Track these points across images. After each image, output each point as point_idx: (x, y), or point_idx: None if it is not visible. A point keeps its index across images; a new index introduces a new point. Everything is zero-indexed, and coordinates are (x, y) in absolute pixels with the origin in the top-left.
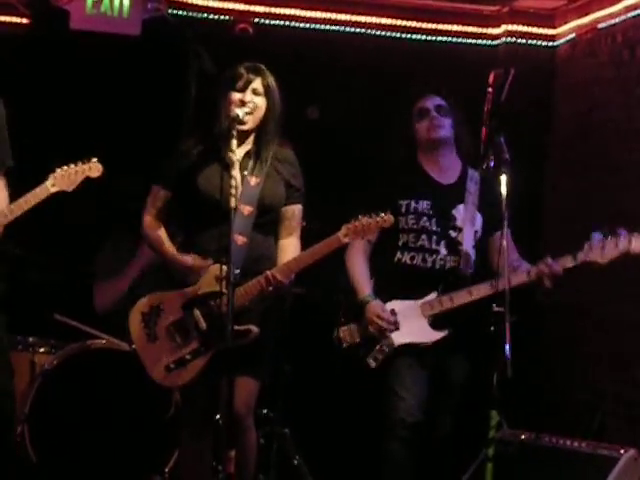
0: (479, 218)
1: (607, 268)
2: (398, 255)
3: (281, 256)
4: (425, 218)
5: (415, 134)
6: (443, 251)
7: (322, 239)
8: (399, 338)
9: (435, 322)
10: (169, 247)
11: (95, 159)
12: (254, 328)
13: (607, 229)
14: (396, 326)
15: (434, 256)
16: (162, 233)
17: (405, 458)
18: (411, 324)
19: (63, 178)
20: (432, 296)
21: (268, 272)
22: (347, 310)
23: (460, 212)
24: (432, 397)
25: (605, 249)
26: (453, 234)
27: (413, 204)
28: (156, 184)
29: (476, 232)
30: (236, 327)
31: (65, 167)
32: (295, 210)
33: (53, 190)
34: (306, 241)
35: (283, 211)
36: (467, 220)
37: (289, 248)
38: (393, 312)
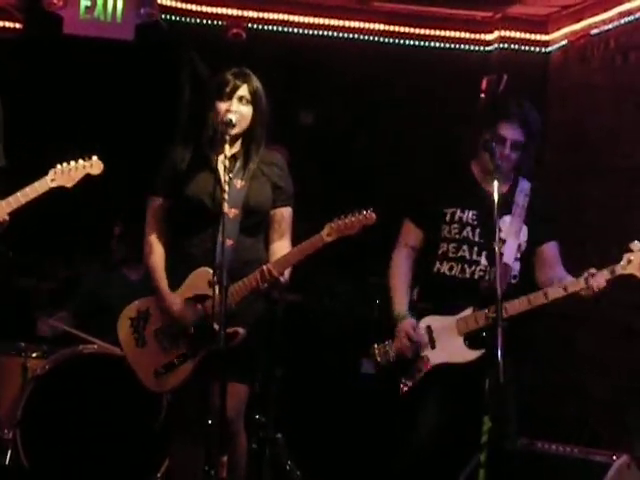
0: (524, 231)
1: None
2: (437, 265)
3: (272, 259)
4: (469, 228)
5: (480, 152)
6: (484, 262)
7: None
8: (435, 358)
9: (471, 339)
10: (162, 279)
11: (96, 157)
12: (241, 330)
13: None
14: (432, 344)
15: (474, 267)
16: (159, 259)
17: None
18: (447, 343)
19: (63, 173)
20: (468, 312)
21: (264, 266)
22: (384, 326)
23: (506, 224)
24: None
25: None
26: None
27: (459, 213)
28: (153, 194)
29: (520, 245)
30: (217, 327)
31: (65, 163)
32: (284, 213)
33: (52, 185)
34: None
35: (272, 214)
36: (512, 232)
37: (281, 251)
38: (429, 329)
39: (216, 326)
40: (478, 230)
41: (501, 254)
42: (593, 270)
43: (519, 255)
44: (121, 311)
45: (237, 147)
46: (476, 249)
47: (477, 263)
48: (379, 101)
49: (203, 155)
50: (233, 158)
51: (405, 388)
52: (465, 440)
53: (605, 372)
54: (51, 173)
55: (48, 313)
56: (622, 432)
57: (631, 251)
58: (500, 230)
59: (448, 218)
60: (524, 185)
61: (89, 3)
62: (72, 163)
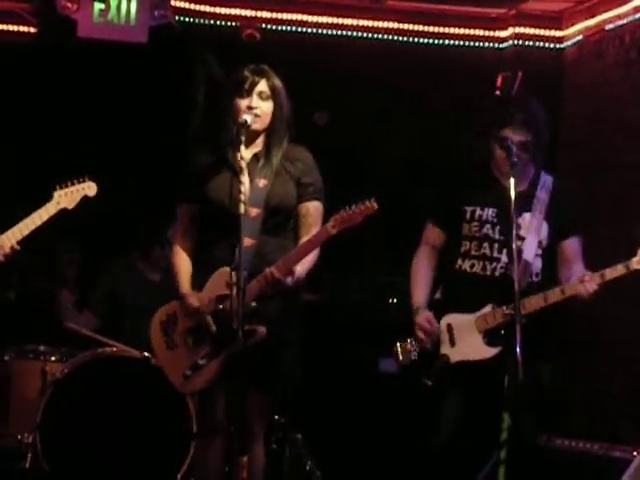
0: (545, 227)
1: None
2: (459, 262)
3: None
4: (489, 226)
5: (491, 154)
6: (504, 259)
7: None
8: (455, 356)
9: (490, 336)
10: (183, 281)
11: (89, 181)
12: (261, 328)
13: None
14: (452, 342)
15: (494, 264)
16: (182, 262)
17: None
18: (466, 340)
19: (66, 196)
20: (487, 309)
21: (267, 269)
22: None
23: (526, 221)
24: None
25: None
26: (517, 243)
27: (478, 211)
28: (179, 203)
29: (540, 242)
30: (236, 326)
31: (64, 186)
32: (309, 207)
33: (58, 208)
34: None
35: (298, 209)
36: (532, 229)
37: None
38: (449, 327)
39: (235, 325)
40: (498, 227)
41: (521, 251)
42: (587, 273)
43: (540, 252)
44: (139, 311)
45: (259, 146)
46: (497, 246)
47: (498, 260)
48: (393, 100)
49: (223, 156)
50: (255, 157)
51: (425, 387)
52: (486, 438)
53: (625, 367)
54: (56, 196)
55: (74, 314)
56: None
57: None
58: (519, 227)
59: (468, 216)
60: (546, 180)
61: (103, 6)
62: (71, 186)
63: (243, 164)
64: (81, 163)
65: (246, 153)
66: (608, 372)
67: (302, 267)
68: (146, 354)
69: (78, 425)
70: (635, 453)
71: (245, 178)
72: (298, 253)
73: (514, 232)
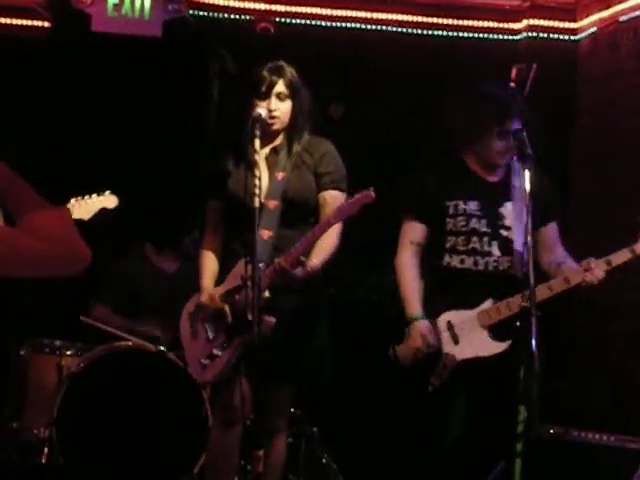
0: (526, 213)
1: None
2: (446, 259)
3: (317, 244)
4: (475, 219)
5: (482, 145)
6: (496, 252)
7: None
8: (461, 353)
9: (496, 330)
10: (205, 279)
11: (109, 192)
12: (269, 318)
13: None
14: (455, 340)
15: (486, 258)
16: (206, 258)
17: (442, 468)
18: (471, 337)
19: (80, 207)
20: (488, 304)
21: (276, 260)
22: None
23: (508, 210)
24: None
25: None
26: (504, 233)
27: (461, 205)
28: (207, 199)
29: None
30: (250, 317)
31: (80, 198)
32: (326, 197)
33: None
34: None
35: (318, 199)
36: (516, 217)
37: (324, 237)
38: (450, 325)
39: (249, 316)
40: (484, 220)
41: (511, 241)
42: (592, 260)
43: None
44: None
45: (279, 140)
46: (486, 240)
47: (489, 254)
48: (409, 92)
49: (242, 152)
50: (274, 151)
51: (431, 387)
52: (497, 435)
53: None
54: (69, 207)
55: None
56: None
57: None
58: (504, 217)
59: (451, 211)
60: (518, 167)
61: (117, 1)
62: (88, 197)
63: (259, 158)
64: (97, 158)
65: (265, 147)
66: (622, 361)
67: (317, 258)
68: (162, 348)
69: (94, 419)
70: None
71: (264, 172)
72: (303, 243)
73: (528, 225)
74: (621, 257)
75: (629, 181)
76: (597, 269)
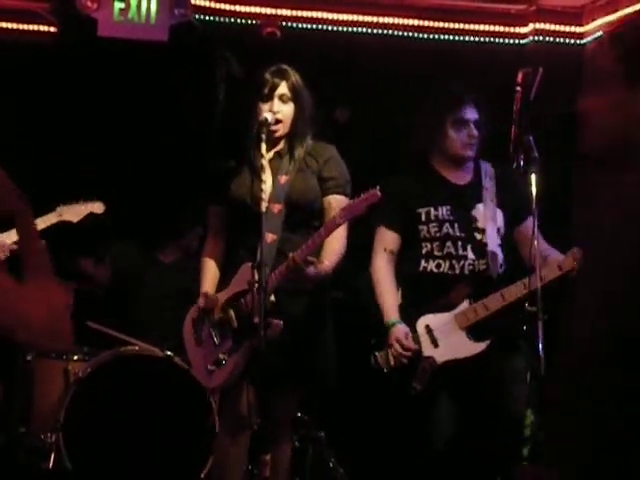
0: (500, 215)
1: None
2: (423, 264)
3: (324, 248)
4: (447, 224)
5: (441, 139)
6: (471, 255)
7: None
8: (441, 356)
9: (474, 331)
10: (204, 281)
11: (99, 202)
12: (276, 321)
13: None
14: (435, 344)
15: (462, 262)
16: (207, 263)
17: (441, 472)
18: (450, 340)
19: (69, 210)
20: (465, 305)
21: (290, 254)
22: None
23: (480, 212)
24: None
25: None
26: (478, 236)
27: (433, 211)
28: (208, 205)
29: (499, 229)
30: (257, 320)
31: (70, 203)
32: (331, 201)
33: (59, 219)
34: None
35: (322, 203)
36: (489, 219)
37: (331, 241)
38: (428, 328)
39: (256, 319)
40: (457, 225)
41: (485, 244)
42: (577, 249)
43: (500, 241)
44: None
45: (282, 144)
46: (460, 244)
47: (465, 258)
48: (414, 97)
49: (246, 156)
50: (278, 155)
51: (414, 391)
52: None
53: None
54: (58, 210)
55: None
56: None
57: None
58: (476, 219)
59: (424, 218)
60: (486, 168)
61: (123, 5)
62: (77, 203)
63: (264, 162)
64: (103, 162)
65: (269, 151)
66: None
67: (329, 260)
68: (168, 353)
69: (101, 424)
70: None
71: (267, 176)
72: (311, 244)
73: (535, 229)
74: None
75: (635, 185)
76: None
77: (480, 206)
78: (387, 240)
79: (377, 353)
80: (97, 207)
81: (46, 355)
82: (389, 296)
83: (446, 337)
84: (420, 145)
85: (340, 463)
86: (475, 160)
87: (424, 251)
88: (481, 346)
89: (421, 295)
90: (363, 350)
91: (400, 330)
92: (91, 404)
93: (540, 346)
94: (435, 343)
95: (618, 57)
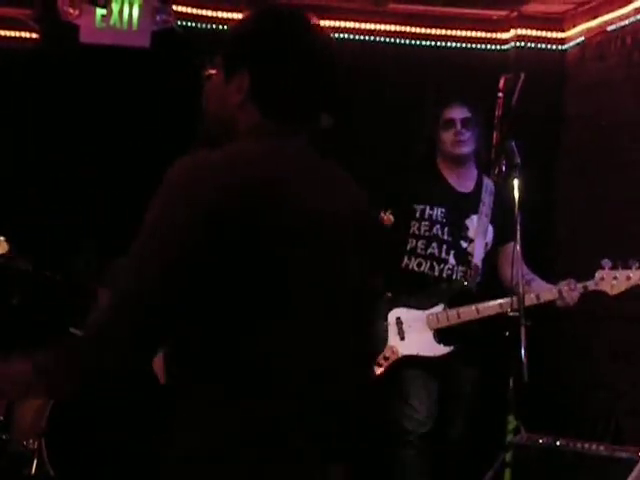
0: (491, 230)
1: None
2: (405, 260)
3: None
4: (438, 226)
5: (438, 141)
6: (452, 261)
7: None
8: (404, 349)
9: (441, 334)
10: None
11: (2, 238)
12: None
13: (617, 259)
14: (401, 336)
15: (442, 265)
16: None
17: (418, 465)
18: (416, 336)
19: None
20: (438, 308)
21: None
22: None
23: (473, 223)
24: (442, 404)
25: (616, 281)
26: (464, 244)
27: (428, 210)
28: None
29: (486, 244)
30: None
31: None
32: None
33: None
34: None
35: None
36: (479, 232)
37: None
38: (399, 320)
39: None
40: (447, 228)
41: (469, 254)
42: (572, 282)
43: (484, 255)
44: None
45: None
46: (445, 247)
47: (446, 262)
48: (396, 103)
49: None
50: None
51: (378, 370)
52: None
53: (630, 366)
54: None
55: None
56: None
57: (603, 268)
58: (467, 229)
59: (418, 215)
60: (488, 184)
61: (105, 12)
62: None
63: None
64: (84, 168)
65: None
66: (612, 370)
67: None
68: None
69: (84, 431)
70: None
71: None
72: None
73: (517, 236)
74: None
75: (616, 191)
76: (575, 292)
77: (474, 217)
78: None
79: None
80: (2, 246)
81: None
82: None
83: (413, 332)
84: (424, 148)
85: None
86: (479, 174)
87: (409, 247)
88: (445, 350)
89: (399, 290)
90: None
91: None
92: (74, 410)
93: (523, 352)
94: (402, 335)
95: (599, 63)
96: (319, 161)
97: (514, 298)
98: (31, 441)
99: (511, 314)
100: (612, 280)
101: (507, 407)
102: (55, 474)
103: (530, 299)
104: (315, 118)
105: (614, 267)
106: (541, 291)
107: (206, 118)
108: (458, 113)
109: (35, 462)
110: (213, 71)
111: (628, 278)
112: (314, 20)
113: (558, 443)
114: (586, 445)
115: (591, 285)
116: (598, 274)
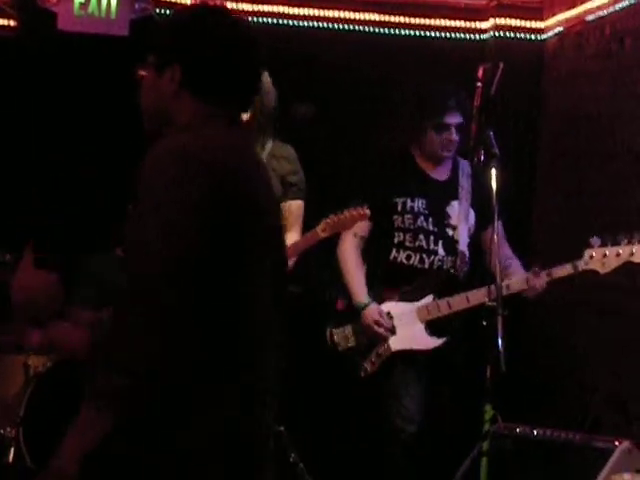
0: (472, 214)
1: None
2: (393, 254)
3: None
4: (422, 217)
5: (423, 139)
6: (441, 252)
7: None
8: (396, 344)
9: (432, 326)
10: None
11: None
12: None
13: (607, 235)
14: (393, 331)
15: (432, 257)
16: None
17: (406, 461)
18: (408, 329)
19: None
20: (428, 299)
21: None
22: (340, 311)
23: (454, 209)
24: (429, 395)
25: (606, 258)
26: (450, 233)
27: (409, 202)
28: None
29: (469, 229)
30: None
31: None
32: (292, 206)
33: None
34: None
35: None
36: (462, 217)
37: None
38: (389, 315)
39: None
40: (431, 219)
41: (456, 241)
42: (535, 269)
43: (469, 240)
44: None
45: None
46: (432, 238)
47: (435, 253)
48: (375, 92)
49: None
50: None
51: (364, 373)
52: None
53: (605, 357)
54: None
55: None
56: (623, 418)
57: (592, 247)
58: (450, 216)
59: (400, 208)
60: (464, 165)
61: (83, 0)
62: None
63: None
64: (63, 159)
65: None
66: (587, 361)
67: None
68: None
69: (62, 419)
70: (617, 443)
71: None
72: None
73: (496, 225)
74: (562, 271)
75: (595, 181)
76: (538, 279)
77: (455, 203)
78: (359, 226)
79: (333, 329)
80: None
81: (6, 349)
82: (356, 276)
83: (405, 326)
84: (402, 139)
85: (301, 457)
86: (454, 158)
87: (396, 240)
88: (437, 342)
89: (389, 283)
90: (319, 345)
91: (374, 311)
92: (51, 399)
93: (500, 341)
94: (393, 330)
95: (578, 52)
96: (251, 147)
97: (492, 287)
98: (8, 429)
99: (489, 304)
100: (602, 258)
101: (484, 396)
102: (33, 462)
103: (503, 288)
104: (244, 99)
105: (603, 244)
106: (512, 281)
107: (144, 113)
108: (454, 119)
109: (12, 450)
110: (143, 72)
111: (617, 254)
112: (229, 10)
113: (535, 432)
114: (563, 434)
115: (581, 265)
116: (587, 253)
